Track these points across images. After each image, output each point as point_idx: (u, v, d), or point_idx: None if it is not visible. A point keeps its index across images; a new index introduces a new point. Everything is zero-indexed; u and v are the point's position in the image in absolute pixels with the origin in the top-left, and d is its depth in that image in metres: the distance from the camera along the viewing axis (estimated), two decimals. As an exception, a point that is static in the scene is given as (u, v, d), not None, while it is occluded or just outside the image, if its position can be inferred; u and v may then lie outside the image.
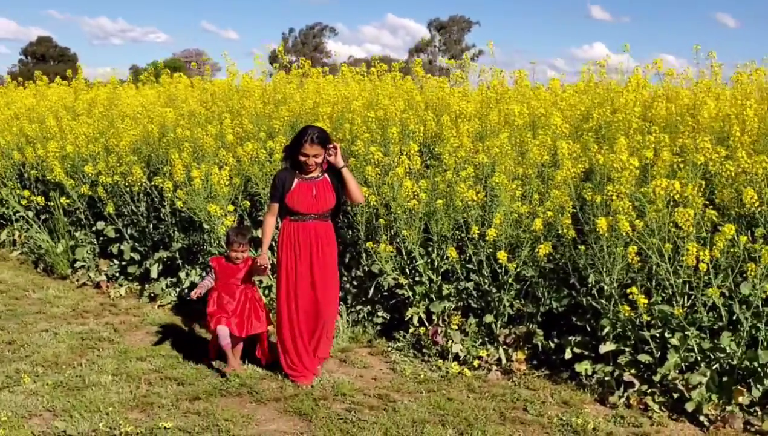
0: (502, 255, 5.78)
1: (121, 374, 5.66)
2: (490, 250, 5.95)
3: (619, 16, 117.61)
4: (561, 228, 5.53)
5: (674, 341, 5.27)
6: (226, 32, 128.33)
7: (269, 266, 5.73)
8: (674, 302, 5.25)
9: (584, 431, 4.88)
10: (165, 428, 4.70)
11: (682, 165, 5.36)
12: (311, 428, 4.84)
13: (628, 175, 5.03)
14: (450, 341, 6.16)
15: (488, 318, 6.18)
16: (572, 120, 6.75)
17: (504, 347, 6.07)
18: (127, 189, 8.08)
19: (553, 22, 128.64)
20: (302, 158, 5.41)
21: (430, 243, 6.47)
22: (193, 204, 7.10)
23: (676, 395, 5.22)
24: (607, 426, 4.97)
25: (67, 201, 8.74)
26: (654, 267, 5.27)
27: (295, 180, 5.51)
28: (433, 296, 6.43)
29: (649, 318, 5.24)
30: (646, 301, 5.05)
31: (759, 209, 4.96)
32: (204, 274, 6.26)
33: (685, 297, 5.31)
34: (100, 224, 8.76)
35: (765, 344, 5.11)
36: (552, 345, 5.94)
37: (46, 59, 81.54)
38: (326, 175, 5.57)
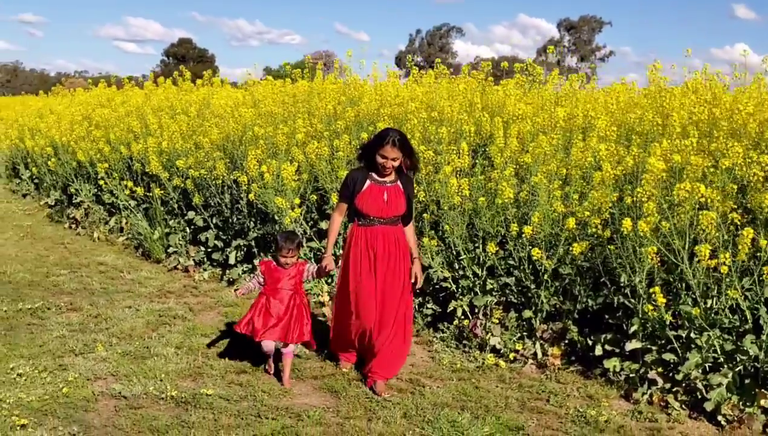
0: (536, 252, 6.02)
1: (184, 347, 6.28)
2: (529, 247, 6.19)
3: (766, 15, 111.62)
4: (591, 227, 5.72)
5: (698, 341, 5.37)
6: (358, 34, 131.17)
7: (333, 269, 5.64)
8: (700, 304, 5.35)
9: (596, 422, 5.07)
10: (207, 394, 5.25)
11: (712, 169, 5.43)
12: (338, 404, 5.27)
13: (650, 177, 5.17)
14: (489, 334, 6.44)
15: (527, 313, 6.42)
16: (627, 123, 6.87)
17: (540, 341, 6.30)
18: (213, 182, 8.80)
19: (693, 21, 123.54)
20: (381, 160, 5.35)
21: (477, 239, 6.77)
22: (265, 197, 7.69)
23: (698, 395, 5.32)
24: (622, 420, 5.14)
25: (162, 192, 9.55)
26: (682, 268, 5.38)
27: (368, 181, 5.45)
28: (477, 289, 6.73)
29: (671, 318, 5.36)
30: (664, 300, 5.18)
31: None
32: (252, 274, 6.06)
33: (713, 299, 5.39)
34: (191, 214, 9.54)
35: (787, 348, 5.13)
36: (587, 342, 6.12)
37: (186, 60, 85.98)
38: (399, 181, 5.52)
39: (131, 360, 5.92)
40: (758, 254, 5.13)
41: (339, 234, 6.94)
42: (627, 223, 5.31)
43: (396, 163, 5.39)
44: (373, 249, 5.46)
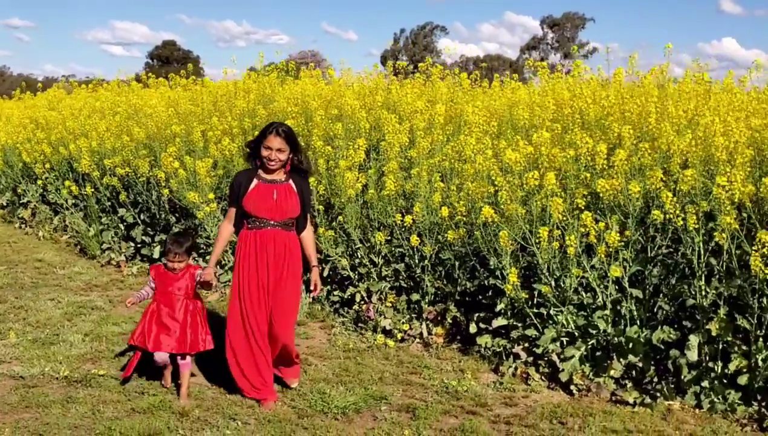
0: (414, 239, 6.48)
1: (92, 335, 6.69)
2: (412, 235, 6.64)
3: (752, 9, 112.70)
4: (458, 216, 6.18)
5: (555, 318, 5.84)
6: (347, 33, 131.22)
7: (216, 283, 5.44)
8: (561, 283, 5.81)
9: (456, 392, 5.53)
10: (99, 375, 5.66)
11: (565, 158, 5.88)
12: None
13: (481, 166, 5.65)
14: (382, 317, 6.89)
15: (415, 296, 6.88)
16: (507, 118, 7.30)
17: (426, 322, 6.76)
18: (139, 180, 9.20)
19: (680, 16, 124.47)
20: (265, 152, 5.00)
21: (373, 229, 7.21)
22: (180, 193, 8.11)
23: (556, 367, 5.79)
24: (482, 390, 5.59)
25: (92, 190, 9.95)
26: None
27: (255, 180, 5.10)
28: (374, 276, 7.18)
29: (526, 296, 5.83)
30: (517, 280, 5.64)
31: (615, 200, 5.46)
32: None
33: (562, 278, 5.84)
34: (122, 211, 9.94)
35: (630, 321, 5.61)
36: (466, 322, 6.58)
37: (170, 62, 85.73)
38: (292, 181, 5.16)
39: (38, 346, 6.32)
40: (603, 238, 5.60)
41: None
42: (486, 210, 5.77)
43: (282, 157, 5.02)
44: (265, 253, 5.08)
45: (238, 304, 5.15)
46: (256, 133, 7.85)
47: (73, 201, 11.31)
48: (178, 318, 5.24)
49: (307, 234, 5.37)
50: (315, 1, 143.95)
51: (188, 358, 5.26)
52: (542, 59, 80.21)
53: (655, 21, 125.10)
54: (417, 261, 6.83)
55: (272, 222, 5.10)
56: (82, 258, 10.24)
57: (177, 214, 8.99)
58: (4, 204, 14.24)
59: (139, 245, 9.62)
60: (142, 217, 9.61)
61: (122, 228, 10.09)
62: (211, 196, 8.00)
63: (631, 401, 5.36)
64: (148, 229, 9.54)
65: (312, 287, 5.33)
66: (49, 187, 11.88)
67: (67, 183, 10.84)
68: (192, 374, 5.44)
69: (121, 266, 9.60)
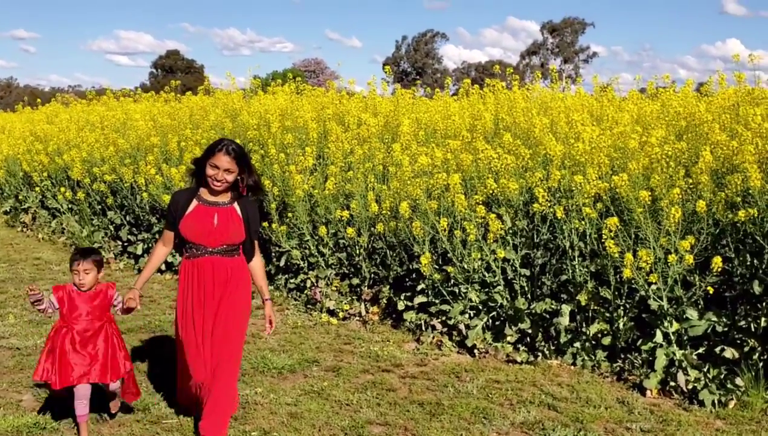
0: (350, 231, 7.60)
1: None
2: (350, 228, 7.76)
3: (757, 10, 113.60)
4: (384, 211, 7.30)
5: (465, 295, 6.95)
6: (350, 40, 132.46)
7: (140, 308, 4.65)
8: (465, 265, 6.91)
9: (378, 356, 6.62)
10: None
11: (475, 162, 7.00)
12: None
13: (407, 170, 6.77)
14: (327, 299, 8.01)
15: (355, 281, 8.00)
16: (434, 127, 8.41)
17: (365, 302, 7.87)
18: (124, 185, 10.35)
19: (683, 18, 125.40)
20: (211, 172, 4.45)
21: (319, 224, 8.33)
22: (157, 196, 9.25)
23: (464, 335, 6.89)
24: (401, 355, 6.68)
25: (84, 195, 11.09)
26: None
27: (194, 201, 4.57)
28: (322, 265, 8.29)
29: (440, 277, 6.94)
30: (428, 262, 6.75)
31: (504, 196, 6.58)
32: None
33: (480, 262, 6.94)
34: (110, 214, 11.08)
35: (521, 296, 6.72)
36: (396, 301, 7.69)
37: (174, 71, 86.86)
38: (236, 204, 4.62)
39: (33, 325, 7.44)
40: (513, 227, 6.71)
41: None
42: (403, 206, 6.89)
43: (230, 178, 4.48)
44: (202, 286, 4.55)
45: (181, 340, 4.67)
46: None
47: (69, 206, 12.45)
48: (98, 345, 4.58)
49: (256, 263, 4.81)
50: (318, 8, 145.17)
51: (112, 385, 4.69)
52: (542, 64, 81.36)
53: (658, 23, 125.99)
54: (357, 251, 7.94)
55: (210, 249, 4.54)
56: (76, 256, 11.36)
57: (157, 215, 10.11)
58: (7, 210, 15.38)
59: (125, 244, 10.75)
60: (128, 218, 10.75)
61: (111, 229, 11.21)
62: (185, 198, 9.12)
63: (519, 360, 6.45)
64: (134, 229, 10.67)
65: (267, 323, 4.78)
66: (47, 193, 13.03)
67: (62, 189, 11.98)
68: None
69: (110, 263, 10.71)
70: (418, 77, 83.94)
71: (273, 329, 4.83)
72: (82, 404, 4.57)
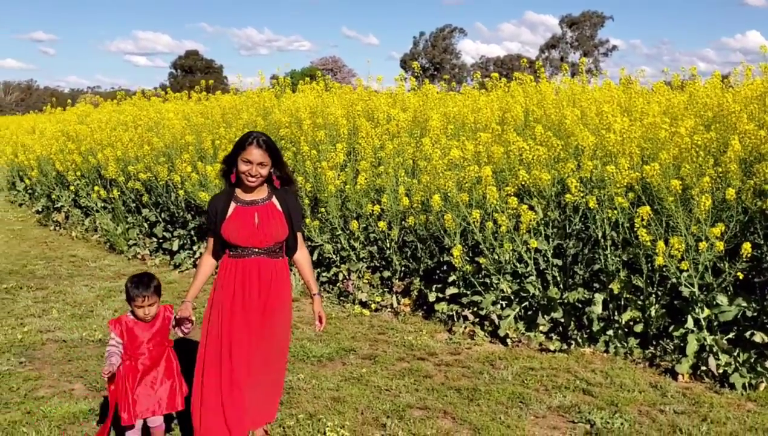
0: (382, 224, 7.77)
1: (121, 311, 8.03)
2: (381, 222, 7.93)
3: None
4: (416, 205, 7.46)
5: (498, 285, 7.09)
6: (367, 38, 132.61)
7: (192, 318, 4.36)
8: (497, 256, 7.06)
9: (412, 345, 6.79)
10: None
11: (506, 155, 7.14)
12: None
13: (438, 163, 6.92)
14: (359, 291, 8.18)
15: (386, 273, 8.17)
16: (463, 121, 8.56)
17: (396, 294, 8.04)
18: (159, 183, 10.58)
19: (702, 10, 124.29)
20: (244, 167, 4.26)
21: (351, 218, 8.51)
22: (193, 194, 9.47)
23: (496, 325, 7.04)
24: (434, 344, 6.85)
25: (118, 194, 11.35)
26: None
27: (232, 204, 4.36)
28: (354, 258, 8.47)
29: (471, 268, 7.09)
30: (459, 254, 6.90)
31: (536, 187, 6.72)
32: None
33: (497, 252, 7.08)
34: (145, 211, 11.33)
35: (553, 285, 6.86)
36: (427, 293, 7.85)
37: (194, 71, 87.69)
38: (274, 199, 4.43)
39: (76, 319, 7.68)
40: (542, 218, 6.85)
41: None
42: (435, 199, 7.05)
43: (264, 172, 4.29)
44: (248, 284, 4.35)
45: (215, 343, 4.35)
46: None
47: (102, 204, 12.71)
48: (161, 374, 4.43)
49: (301, 256, 4.61)
50: (335, 6, 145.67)
51: (161, 419, 4.52)
52: (562, 58, 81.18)
53: (676, 16, 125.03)
54: (388, 244, 8.11)
55: (256, 250, 4.36)
56: (111, 253, 11.62)
57: (192, 212, 10.34)
58: (40, 209, 15.70)
59: (160, 240, 10.99)
60: (162, 215, 10.99)
61: (146, 226, 11.46)
62: (219, 194, 9.33)
63: (553, 348, 6.59)
64: (168, 226, 10.91)
65: (316, 320, 4.60)
66: (80, 192, 13.31)
67: (96, 188, 12.24)
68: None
69: (145, 259, 10.97)
70: (436, 72, 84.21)
71: (323, 326, 4.57)
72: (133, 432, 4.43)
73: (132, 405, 4.33)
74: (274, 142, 4.41)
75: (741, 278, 5.82)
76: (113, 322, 4.51)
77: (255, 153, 4.25)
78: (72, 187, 13.20)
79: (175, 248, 10.49)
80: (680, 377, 5.83)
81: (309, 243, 8.69)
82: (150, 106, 12.98)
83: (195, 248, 10.18)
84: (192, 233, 10.32)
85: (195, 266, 10.06)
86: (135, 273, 4.65)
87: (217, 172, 9.01)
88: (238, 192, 4.41)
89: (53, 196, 14.80)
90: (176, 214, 10.72)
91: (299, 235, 4.61)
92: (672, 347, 6.14)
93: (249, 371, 4.36)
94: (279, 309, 4.44)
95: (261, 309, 4.37)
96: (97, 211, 12.73)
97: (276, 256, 4.43)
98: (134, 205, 11.59)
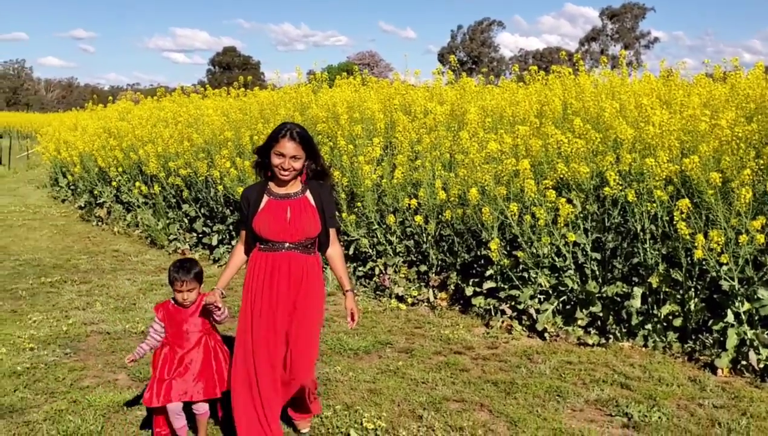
0: (418, 219, 7.83)
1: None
2: (418, 216, 7.99)
3: None
4: (452, 198, 7.50)
5: (533, 279, 7.11)
6: (405, 31, 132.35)
7: (224, 309, 4.38)
8: (535, 250, 7.07)
9: (449, 339, 6.85)
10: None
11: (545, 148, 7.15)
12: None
13: (476, 157, 6.96)
14: (396, 285, 8.26)
15: (422, 268, 8.23)
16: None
17: (433, 289, 8.10)
18: (199, 179, 10.78)
19: (747, 0, 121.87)
20: (277, 160, 4.19)
21: (387, 213, 8.58)
22: (232, 189, 9.63)
23: (534, 319, 7.06)
24: (471, 338, 6.90)
25: (159, 189, 11.58)
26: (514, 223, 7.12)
27: (265, 197, 4.32)
28: (390, 252, 8.55)
29: (508, 262, 7.11)
30: (497, 247, 6.93)
31: (575, 181, 6.72)
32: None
33: (534, 246, 7.08)
34: (185, 207, 11.54)
35: (592, 279, 6.86)
36: (464, 287, 7.89)
37: (231, 68, 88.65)
38: (308, 193, 4.37)
39: (119, 312, 7.87)
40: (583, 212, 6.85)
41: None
42: (472, 192, 7.09)
43: (297, 165, 4.22)
44: (277, 277, 4.29)
45: (243, 338, 4.35)
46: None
47: (143, 200, 12.97)
48: (197, 360, 4.47)
49: (334, 252, 4.49)
50: (372, 0, 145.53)
51: (205, 405, 4.53)
52: (602, 51, 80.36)
53: (720, 6, 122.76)
54: (424, 238, 8.17)
55: (287, 244, 4.29)
56: (152, 248, 11.86)
57: (231, 208, 10.52)
58: (82, 205, 16.06)
59: (200, 235, 11.19)
60: (202, 211, 11.18)
61: (186, 221, 11.67)
62: (257, 189, 9.49)
63: (591, 343, 6.59)
64: (208, 221, 11.10)
65: (348, 317, 4.45)
66: (121, 188, 13.60)
67: (137, 184, 12.50)
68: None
69: (185, 254, 11.17)
70: (474, 66, 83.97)
71: (356, 323, 4.43)
72: (176, 418, 4.45)
73: (167, 389, 4.38)
74: (308, 133, 4.32)
75: (783, 271, 5.77)
76: (158, 306, 4.64)
77: (288, 146, 4.17)
78: (114, 183, 13.50)
79: (214, 242, 10.67)
80: (720, 371, 5.80)
81: (345, 238, 8.79)
82: (189, 102, 13.21)
83: (234, 242, 10.35)
84: (231, 228, 10.49)
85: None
86: (179, 258, 4.74)
87: (251, 163, 9.27)
88: (272, 185, 4.34)
89: (95, 192, 15.12)
90: (215, 210, 10.90)
91: (332, 231, 4.49)
92: (711, 342, 6.10)
93: (273, 371, 4.32)
94: (309, 308, 4.32)
95: (290, 307, 4.29)
96: (139, 206, 12.98)
97: (308, 251, 4.34)
98: (174, 200, 11.81)
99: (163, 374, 4.42)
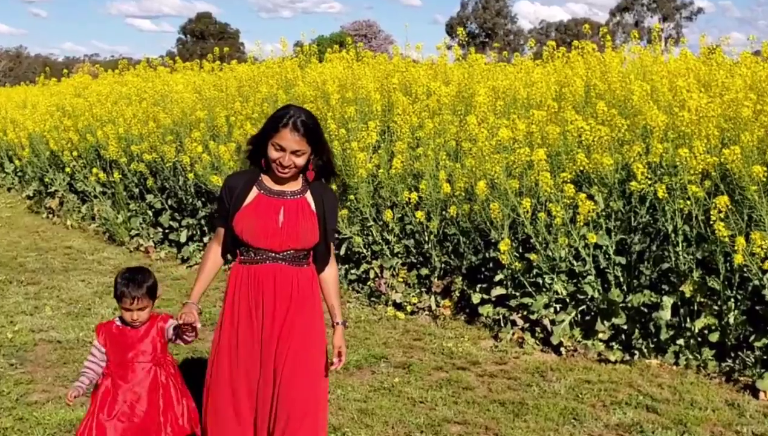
0: (420, 215, 7.91)
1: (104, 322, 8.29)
2: (419, 212, 8.06)
3: None
4: (458, 191, 7.58)
5: (549, 285, 7.20)
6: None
7: (198, 325, 4.00)
8: (550, 252, 7.15)
9: (452, 353, 6.92)
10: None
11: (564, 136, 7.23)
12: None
13: (485, 145, 7.05)
14: (393, 291, 8.34)
15: (424, 271, 8.31)
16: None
17: (435, 295, 8.18)
18: (166, 165, 10.84)
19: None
20: (275, 154, 3.87)
21: (384, 207, 8.66)
22: (204, 177, 9.70)
23: (549, 331, 7.14)
24: (477, 352, 6.97)
25: (120, 177, 11.64)
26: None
27: (254, 189, 4.01)
28: (387, 253, 8.62)
29: (520, 265, 7.19)
30: (507, 248, 7.01)
31: (597, 174, 6.80)
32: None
33: (550, 248, 7.13)
34: (149, 197, 11.61)
35: (616, 287, 6.94)
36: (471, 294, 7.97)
37: (206, 37, 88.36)
38: (308, 194, 4.06)
39: (72, 318, 7.93)
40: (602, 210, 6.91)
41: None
42: (480, 185, 7.16)
43: (299, 161, 3.92)
44: (259, 303, 3.95)
45: (218, 375, 4.02)
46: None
47: (101, 189, 13.03)
48: (143, 399, 4.18)
49: (329, 274, 4.21)
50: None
51: None
52: (636, 23, 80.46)
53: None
54: (426, 237, 8.24)
55: (273, 254, 3.97)
56: (110, 245, 11.93)
57: (203, 199, 10.58)
58: (31, 194, 16.12)
59: (166, 231, 11.26)
60: (169, 202, 11.26)
61: (150, 214, 11.74)
62: (234, 179, 9.55)
63: (613, 359, 6.67)
64: (176, 214, 11.17)
65: (335, 356, 4.12)
66: (76, 175, 13.65)
67: (94, 170, 12.56)
68: None
69: (149, 251, 11.24)
70: (488, 40, 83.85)
71: (342, 363, 4.14)
72: None
73: (97, 432, 4.09)
74: (317, 121, 4.02)
75: (835, 280, 5.85)
76: (100, 327, 4.35)
77: (290, 138, 3.84)
78: (67, 170, 13.54)
79: (183, 239, 10.74)
80: (762, 394, 5.88)
81: (335, 235, 8.84)
82: (156, 77, 13.26)
83: (205, 239, 10.43)
84: (202, 222, 10.56)
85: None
86: (129, 267, 4.49)
87: (233, 151, 9.36)
88: (265, 177, 4.04)
89: (46, 180, 15.19)
90: (185, 201, 10.97)
91: (331, 245, 4.23)
92: (753, 360, 6.18)
93: (264, 413, 3.96)
94: (304, 338, 3.97)
95: (279, 328, 3.94)
96: (96, 196, 13.05)
97: (300, 263, 4.01)
98: (137, 190, 11.88)
99: (101, 414, 4.13)
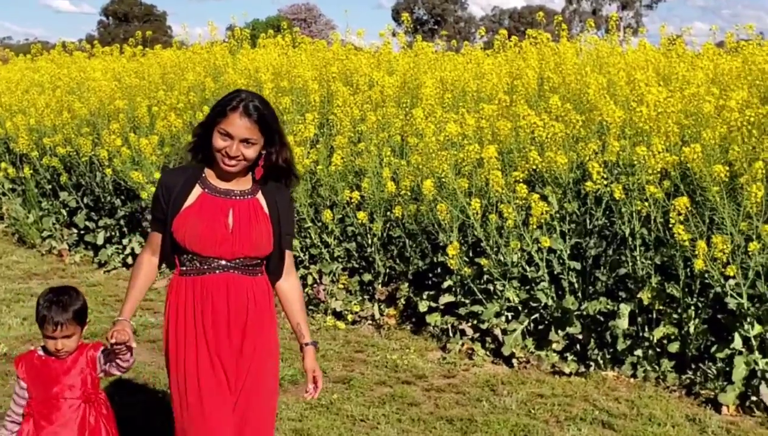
0: (362, 215, 7.93)
1: (31, 319, 8.13)
2: (361, 212, 8.09)
3: None
4: (403, 190, 7.62)
5: (500, 293, 7.27)
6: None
7: (133, 345, 3.70)
8: (491, 256, 7.22)
9: (396, 366, 6.96)
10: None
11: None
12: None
13: (432, 141, 7.11)
14: (333, 298, 8.35)
15: (367, 277, 8.34)
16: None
17: (379, 303, 8.21)
18: (81, 160, 10.70)
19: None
20: (221, 142, 3.62)
21: (323, 207, 8.66)
22: (124, 173, 9.61)
23: (500, 341, 7.22)
24: (423, 365, 7.02)
25: (30, 172, 11.46)
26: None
27: (196, 188, 3.76)
28: (327, 257, 8.63)
29: (470, 271, 7.25)
30: (455, 252, 7.06)
31: (551, 173, 6.90)
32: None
33: (501, 252, 7.21)
34: (63, 195, 11.45)
35: (570, 294, 7.05)
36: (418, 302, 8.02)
37: (129, 20, 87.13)
38: (260, 195, 3.82)
39: (-22, 333, 7.82)
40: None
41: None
42: (427, 184, 7.21)
43: (249, 153, 3.66)
44: (210, 318, 3.72)
45: (177, 395, 3.81)
46: (206, 109, 9.33)
47: (10, 185, 12.82)
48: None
49: (289, 286, 4.00)
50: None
51: None
52: (594, 11, 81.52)
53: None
54: (369, 240, 8.27)
55: (223, 262, 3.73)
56: (20, 247, 11.74)
57: (122, 197, 10.47)
58: (-70, 193, 15.77)
59: (82, 232, 11.13)
60: (85, 201, 11.12)
61: (64, 214, 11.59)
62: (157, 175, 9.46)
63: (568, 371, 6.78)
64: (92, 214, 11.04)
65: (309, 381, 3.96)
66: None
67: (2, 165, 12.34)
68: None
69: (63, 255, 11.08)
70: (437, 27, 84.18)
71: (319, 391, 3.98)
72: None
73: None
74: (272, 109, 3.76)
75: (800, 287, 6.00)
76: (19, 358, 4.00)
77: (239, 124, 3.58)
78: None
79: (100, 241, 10.63)
80: (724, 408, 6.02)
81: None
82: (72, 62, 13.10)
83: (125, 241, 10.31)
84: (122, 222, 10.46)
85: (125, 264, 10.21)
86: (54, 286, 4.08)
87: (156, 145, 9.28)
88: (209, 173, 3.79)
89: (-53, 176, 14.85)
90: (102, 199, 10.86)
91: (289, 255, 3.96)
92: (715, 372, 6.32)
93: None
94: (262, 357, 3.82)
95: (236, 353, 3.76)
96: (4, 194, 12.84)
97: (253, 272, 3.78)
98: (50, 187, 11.72)
99: None
